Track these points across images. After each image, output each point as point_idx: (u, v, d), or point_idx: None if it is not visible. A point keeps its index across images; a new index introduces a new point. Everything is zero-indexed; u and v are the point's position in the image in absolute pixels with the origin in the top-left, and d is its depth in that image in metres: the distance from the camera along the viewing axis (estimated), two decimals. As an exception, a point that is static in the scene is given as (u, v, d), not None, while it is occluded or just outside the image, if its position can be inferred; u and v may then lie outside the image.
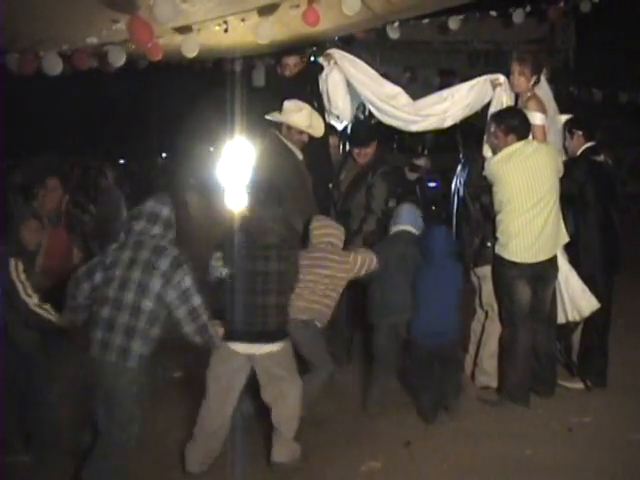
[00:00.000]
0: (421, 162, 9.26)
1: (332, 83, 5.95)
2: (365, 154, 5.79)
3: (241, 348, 4.21)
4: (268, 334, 4.23)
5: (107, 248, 3.98)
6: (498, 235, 5.15)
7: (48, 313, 4.30)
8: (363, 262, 4.88)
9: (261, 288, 4.24)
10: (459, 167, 5.74)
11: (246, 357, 4.23)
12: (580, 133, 5.57)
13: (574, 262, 5.35)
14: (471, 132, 5.55)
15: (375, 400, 5.07)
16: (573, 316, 5.34)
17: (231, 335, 4.17)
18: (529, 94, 5.43)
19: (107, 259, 3.87)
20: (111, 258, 3.86)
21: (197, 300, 3.82)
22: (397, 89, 5.94)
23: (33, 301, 4.29)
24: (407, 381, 5.24)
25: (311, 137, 5.60)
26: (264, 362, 4.25)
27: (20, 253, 4.46)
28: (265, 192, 4.47)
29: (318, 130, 5.64)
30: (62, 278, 4.28)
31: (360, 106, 9.75)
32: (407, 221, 5.28)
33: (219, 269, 4.34)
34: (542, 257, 5.07)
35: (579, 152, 5.54)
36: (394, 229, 5.28)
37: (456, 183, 5.68)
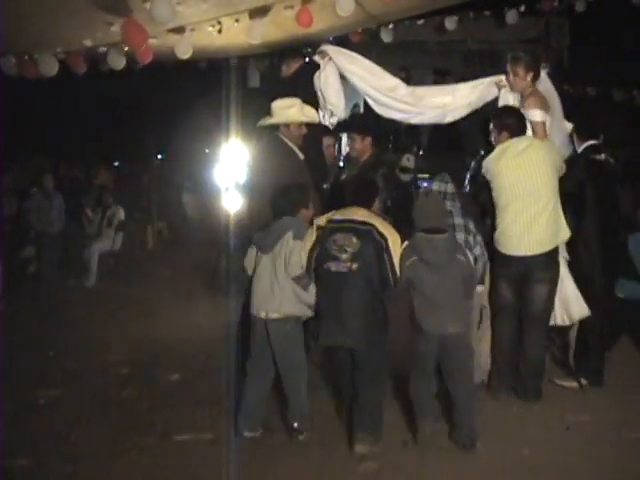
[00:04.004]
0: (410, 164, 9.25)
1: (325, 79, 5.95)
2: (354, 147, 5.82)
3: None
4: None
5: None
6: (494, 229, 5.18)
7: None
8: None
9: None
10: (472, 164, 5.76)
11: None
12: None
13: (573, 261, 5.35)
14: (487, 131, 5.52)
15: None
16: (562, 320, 5.33)
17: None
18: (529, 91, 5.45)
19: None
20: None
21: None
22: (396, 80, 5.96)
23: None
24: None
25: (306, 137, 5.58)
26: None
27: None
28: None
29: (313, 117, 5.64)
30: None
31: (355, 107, 9.76)
32: None
33: None
34: (533, 251, 5.06)
35: (580, 150, 5.56)
36: None
37: (468, 180, 5.71)
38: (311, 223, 4.78)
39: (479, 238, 5.18)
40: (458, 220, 5.12)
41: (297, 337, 4.70)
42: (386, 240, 4.52)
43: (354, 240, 4.49)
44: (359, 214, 4.64)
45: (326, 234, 4.59)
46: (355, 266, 4.47)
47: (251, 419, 4.72)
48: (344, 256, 4.48)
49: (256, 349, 4.76)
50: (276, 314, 4.63)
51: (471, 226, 5.17)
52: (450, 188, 5.16)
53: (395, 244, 4.54)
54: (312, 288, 4.67)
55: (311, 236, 4.66)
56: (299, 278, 4.63)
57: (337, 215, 4.69)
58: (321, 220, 4.71)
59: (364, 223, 4.56)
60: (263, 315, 4.66)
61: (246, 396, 4.73)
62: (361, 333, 4.48)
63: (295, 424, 4.65)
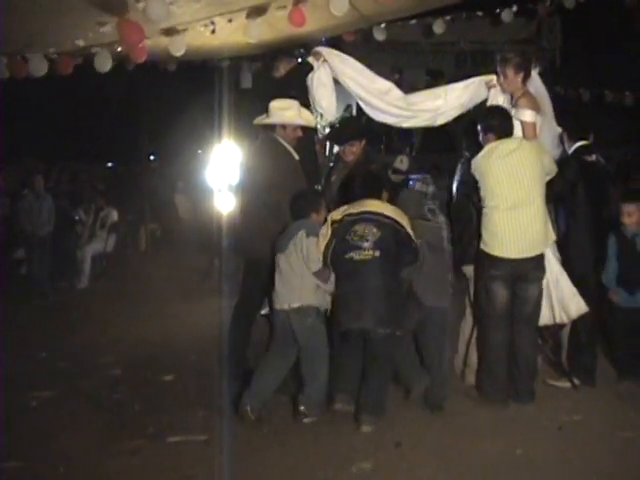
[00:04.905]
0: (403, 165, 9.28)
1: (317, 81, 5.93)
2: (351, 152, 5.78)
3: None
4: None
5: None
6: (482, 230, 5.16)
7: None
8: None
9: None
10: (458, 166, 5.76)
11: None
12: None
13: (565, 262, 5.36)
14: (473, 132, 5.54)
15: None
16: (561, 318, 5.31)
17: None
18: (520, 91, 5.45)
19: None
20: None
21: None
22: (389, 84, 5.96)
23: None
24: None
25: (299, 138, 5.57)
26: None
27: None
28: None
29: (310, 120, 5.67)
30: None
31: (348, 108, 9.76)
32: None
33: None
34: (526, 254, 5.05)
35: (570, 151, 5.56)
36: None
37: (457, 182, 5.71)
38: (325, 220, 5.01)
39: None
40: (441, 218, 5.38)
41: (320, 328, 4.91)
42: (405, 228, 4.87)
43: (374, 229, 4.81)
44: (374, 206, 4.93)
45: (344, 227, 4.87)
46: (378, 253, 4.77)
47: (255, 400, 4.82)
48: (366, 244, 4.79)
49: (276, 342, 4.98)
50: (298, 303, 4.84)
51: (447, 223, 5.49)
52: (432, 189, 5.42)
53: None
54: (332, 279, 4.92)
55: (327, 231, 4.91)
56: (319, 273, 4.87)
57: (351, 209, 4.94)
58: (335, 215, 4.97)
59: (382, 215, 4.87)
60: (286, 307, 4.87)
61: (259, 377, 4.90)
62: (387, 315, 4.77)
63: (302, 407, 4.80)
